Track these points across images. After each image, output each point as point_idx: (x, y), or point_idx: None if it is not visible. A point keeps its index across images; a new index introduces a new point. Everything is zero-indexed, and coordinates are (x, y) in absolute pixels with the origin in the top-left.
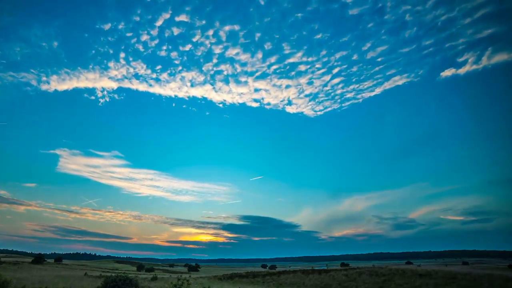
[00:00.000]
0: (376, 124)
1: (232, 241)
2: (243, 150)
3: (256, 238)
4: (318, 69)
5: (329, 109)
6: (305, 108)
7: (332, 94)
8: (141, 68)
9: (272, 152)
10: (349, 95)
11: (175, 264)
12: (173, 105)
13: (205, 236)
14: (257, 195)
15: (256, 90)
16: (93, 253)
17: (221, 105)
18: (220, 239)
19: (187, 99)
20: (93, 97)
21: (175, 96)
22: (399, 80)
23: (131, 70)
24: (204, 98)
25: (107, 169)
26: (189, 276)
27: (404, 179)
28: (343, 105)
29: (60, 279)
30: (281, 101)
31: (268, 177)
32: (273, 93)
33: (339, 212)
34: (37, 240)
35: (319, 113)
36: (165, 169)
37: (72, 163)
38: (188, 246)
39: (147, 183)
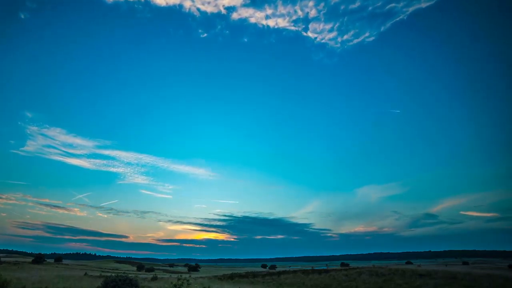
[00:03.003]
0: (417, 66)
1: (231, 239)
2: (240, 116)
3: (258, 237)
4: None
5: (361, 37)
6: (327, 35)
7: (371, 7)
8: None
9: (277, 120)
10: (396, 4)
11: (175, 264)
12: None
13: (203, 235)
14: (257, 186)
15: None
16: (93, 253)
17: (202, 33)
18: (220, 237)
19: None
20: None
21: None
22: None
23: None
24: (176, 8)
25: (83, 151)
26: (189, 276)
27: (437, 160)
28: (381, 29)
29: (60, 279)
30: (295, 21)
31: (270, 165)
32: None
33: (351, 206)
34: (25, 238)
35: (349, 44)
36: (144, 149)
37: (42, 140)
38: (186, 245)
39: (132, 169)
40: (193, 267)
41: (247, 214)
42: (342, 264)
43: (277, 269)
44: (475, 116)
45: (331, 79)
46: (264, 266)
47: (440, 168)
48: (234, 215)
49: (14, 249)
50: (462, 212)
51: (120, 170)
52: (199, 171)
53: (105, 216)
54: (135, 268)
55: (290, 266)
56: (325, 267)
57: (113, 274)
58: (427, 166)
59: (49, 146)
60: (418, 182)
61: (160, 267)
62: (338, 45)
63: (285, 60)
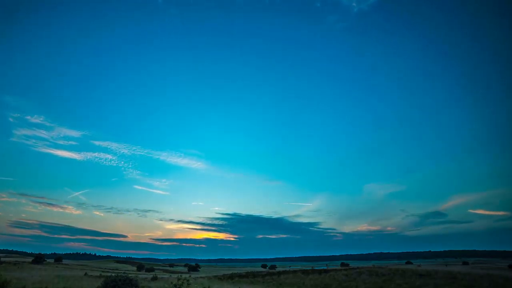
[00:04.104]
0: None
1: (231, 238)
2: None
3: (259, 236)
4: None
5: None
6: None
7: None
8: None
9: (279, 115)
10: None
11: (175, 264)
12: None
13: (202, 234)
14: (258, 184)
15: None
16: (93, 253)
17: None
18: (220, 236)
19: None
20: None
21: None
22: None
23: None
24: None
25: (71, 142)
26: (189, 276)
27: (446, 156)
28: None
29: (60, 279)
30: None
31: (271, 163)
32: None
33: (356, 204)
34: (23, 238)
35: (366, 2)
36: (137, 141)
37: (27, 130)
38: (185, 244)
39: (126, 163)
40: (193, 267)
41: (247, 213)
42: (342, 264)
43: (277, 269)
44: (486, 110)
45: (343, 50)
46: (264, 266)
47: (449, 164)
48: (234, 214)
49: (9, 249)
50: (470, 210)
51: (113, 163)
52: (196, 165)
53: (102, 214)
54: (135, 268)
55: (290, 266)
56: (325, 267)
57: (113, 274)
58: (435, 162)
59: (36, 137)
60: (426, 179)
61: (160, 267)
62: (354, 3)
63: (289, 25)
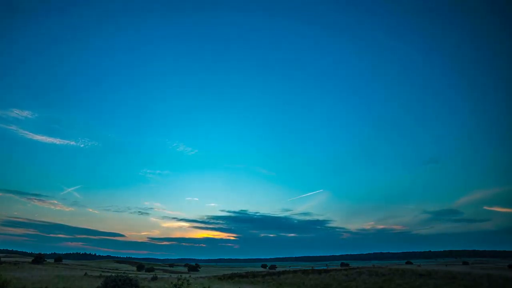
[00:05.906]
0: None
1: (231, 238)
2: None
3: (262, 235)
4: None
5: None
6: None
7: None
8: None
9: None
10: None
11: (175, 264)
12: None
13: (202, 233)
14: (258, 181)
15: None
16: (93, 253)
17: None
18: (220, 235)
19: None
20: None
21: None
22: None
23: None
24: None
25: (54, 125)
26: (189, 276)
27: (459, 150)
28: None
29: (60, 279)
30: None
31: (271, 153)
32: None
33: (362, 202)
34: (18, 237)
35: None
36: (123, 126)
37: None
38: (184, 244)
39: (114, 153)
40: (193, 267)
41: (247, 210)
42: (342, 264)
43: (277, 269)
44: (499, 103)
45: (343, 49)
46: (264, 266)
47: (463, 159)
48: (233, 211)
49: (4, 248)
50: (486, 207)
51: (100, 152)
52: (193, 153)
53: (97, 212)
54: (135, 268)
55: (290, 266)
56: (325, 267)
57: (113, 274)
58: (447, 156)
59: (11, 119)
60: (441, 174)
61: (160, 267)
62: (353, 3)
63: (288, 25)
